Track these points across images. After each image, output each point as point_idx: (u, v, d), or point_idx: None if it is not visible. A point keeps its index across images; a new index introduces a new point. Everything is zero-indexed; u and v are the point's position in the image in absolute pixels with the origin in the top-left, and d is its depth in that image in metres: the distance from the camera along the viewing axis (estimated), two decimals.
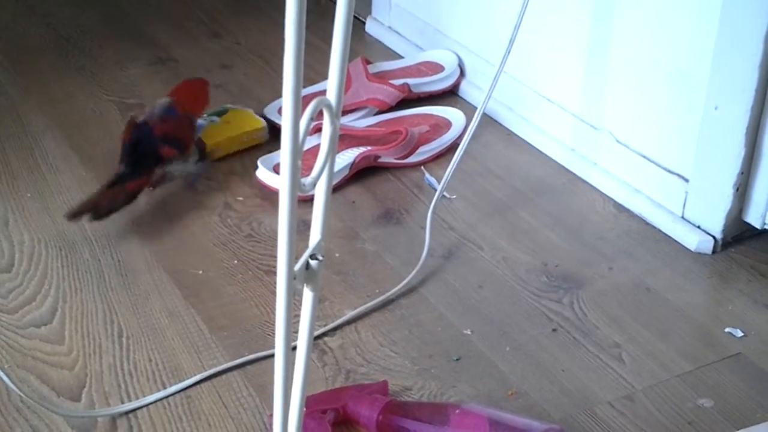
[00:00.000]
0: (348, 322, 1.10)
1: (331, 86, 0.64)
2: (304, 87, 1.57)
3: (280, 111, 1.47)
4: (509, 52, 1.27)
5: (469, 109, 1.51)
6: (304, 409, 0.74)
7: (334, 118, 0.63)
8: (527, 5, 1.26)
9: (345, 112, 1.45)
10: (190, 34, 1.77)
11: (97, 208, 1.23)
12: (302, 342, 0.79)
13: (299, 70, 0.59)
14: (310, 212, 0.71)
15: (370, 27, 1.78)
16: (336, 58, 0.66)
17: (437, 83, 1.56)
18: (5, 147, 1.41)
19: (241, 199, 1.32)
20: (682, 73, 1.20)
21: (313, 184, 0.70)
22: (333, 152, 0.72)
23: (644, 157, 1.28)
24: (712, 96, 1.17)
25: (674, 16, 1.20)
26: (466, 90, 1.57)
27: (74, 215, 1.22)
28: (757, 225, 1.20)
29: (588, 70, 1.35)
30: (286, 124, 0.59)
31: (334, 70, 0.68)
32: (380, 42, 1.75)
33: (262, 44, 1.73)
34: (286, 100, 0.58)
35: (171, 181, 1.32)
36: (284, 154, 0.60)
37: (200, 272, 1.17)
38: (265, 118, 1.45)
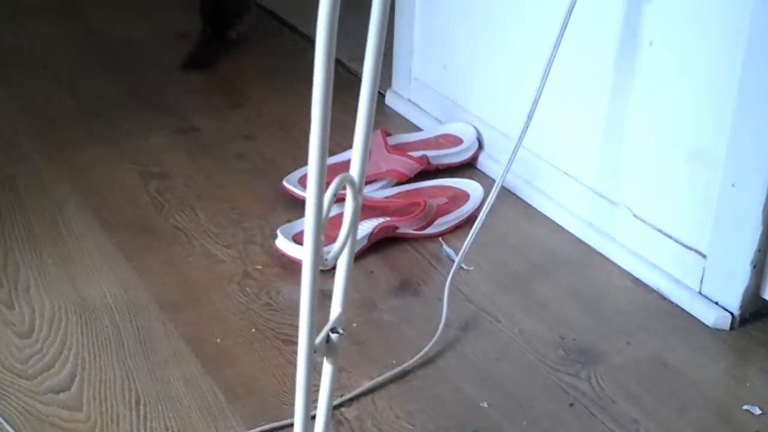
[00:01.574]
0: (365, 393, 1.10)
1: (354, 162, 0.65)
2: None
3: (300, 181, 1.49)
4: (527, 128, 1.29)
5: (487, 181, 1.52)
6: None
7: (357, 194, 0.64)
8: (545, 82, 1.28)
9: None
10: (213, 104, 1.80)
11: (199, 62, 1.92)
12: (321, 415, 0.79)
13: (324, 148, 0.60)
14: (330, 282, 0.72)
15: (390, 99, 1.80)
16: (360, 135, 0.67)
17: (456, 156, 1.58)
18: (29, 214, 1.43)
19: (259, 267, 1.33)
20: (699, 149, 1.22)
21: (335, 259, 0.71)
22: (355, 228, 0.73)
23: (661, 232, 1.29)
24: (729, 173, 1.18)
25: (691, 93, 1.21)
26: (484, 162, 1.59)
27: (185, 67, 1.90)
28: None
29: (605, 145, 1.36)
30: (309, 200, 0.60)
31: (358, 147, 0.69)
32: (400, 114, 1.77)
33: (283, 114, 1.76)
34: (311, 177, 0.59)
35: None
36: (308, 235, 0.61)
37: (218, 341, 1.18)
38: (285, 189, 1.47)
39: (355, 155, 0.66)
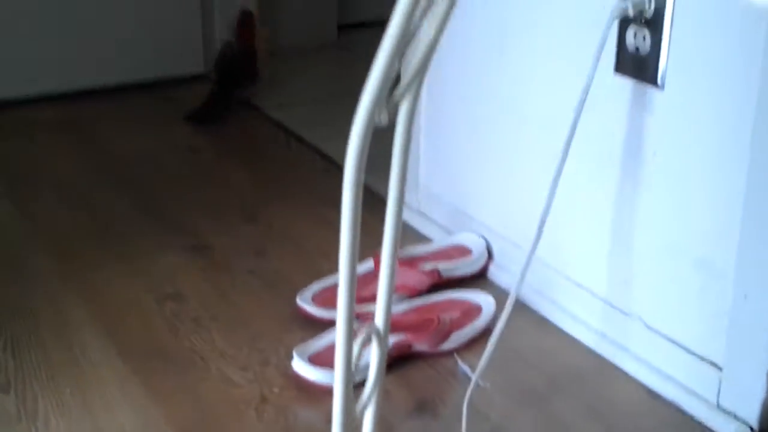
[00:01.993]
0: None
1: (379, 311, 0.66)
2: (332, 274, 1.59)
3: (313, 299, 1.50)
4: (538, 241, 1.30)
5: (498, 291, 1.53)
6: None
7: (383, 343, 0.65)
8: (555, 195, 1.30)
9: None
10: (225, 220, 1.82)
11: (201, 117, 2.24)
12: None
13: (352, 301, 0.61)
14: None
15: None
16: (384, 285, 0.69)
17: (466, 267, 1.59)
18: (45, 339, 1.44)
19: (276, 390, 1.33)
20: (709, 260, 1.23)
21: (363, 412, 0.72)
22: (381, 378, 0.74)
23: (675, 343, 1.30)
24: (740, 284, 1.19)
25: (697, 203, 1.23)
26: (494, 273, 1.60)
27: (187, 119, 2.24)
28: None
29: (615, 256, 1.38)
30: (338, 373, 0.61)
31: (382, 298, 0.71)
32: (409, 224, 1.79)
33: (294, 229, 1.78)
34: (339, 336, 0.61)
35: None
36: (337, 408, 0.62)
37: None
38: (299, 307, 1.48)
39: (379, 305, 0.67)
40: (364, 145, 0.59)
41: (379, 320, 0.69)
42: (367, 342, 0.63)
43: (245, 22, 2.50)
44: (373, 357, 0.69)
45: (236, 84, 2.39)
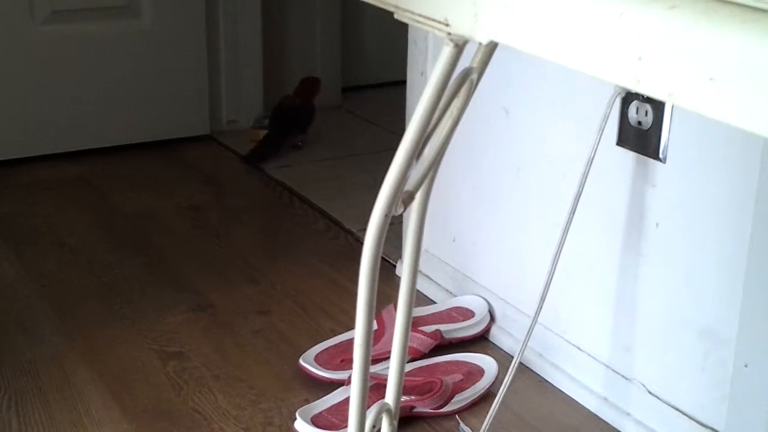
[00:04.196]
0: None
1: (390, 389, 0.68)
2: (340, 333, 1.60)
3: (316, 359, 1.51)
4: (541, 308, 1.31)
5: (500, 354, 1.54)
6: None
7: (393, 421, 0.66)
8: (557, 262, 1.31)
9: (378, 360, 1.49)
10: (228, 280, 1.84)
11: (254, 159, 2.46)
12: None
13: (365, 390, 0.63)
14: None
15: (401, 270, 1.84)
16: (395, 362, 0.70)
17: (468, 329, 1.60)
18: (49, 399, 1.44)
19: None
20: (711, 329, 1.24)
21: None
22: None
23: (677, 409, 1.30)
24: (741, 354, 1.20)
25: (700, 274, 1.25)
26: (496, 335, 1.61)
27: (246, 161, 2.45)
28: None
29: (617, 322, 1.39)
30: None
31: (394, 376, 0.72)
32: None
33: (297, 289, 1.79)
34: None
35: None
36: None
37: None
38: (302, 367, 1.49)
39: (390, 383, 0.69)
40: (381, 235, 0.60)
41: (390, 398, 0.70)
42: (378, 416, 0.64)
43: (312, 85, 2.69)
44: None
45: (287, 132, 2.57)
